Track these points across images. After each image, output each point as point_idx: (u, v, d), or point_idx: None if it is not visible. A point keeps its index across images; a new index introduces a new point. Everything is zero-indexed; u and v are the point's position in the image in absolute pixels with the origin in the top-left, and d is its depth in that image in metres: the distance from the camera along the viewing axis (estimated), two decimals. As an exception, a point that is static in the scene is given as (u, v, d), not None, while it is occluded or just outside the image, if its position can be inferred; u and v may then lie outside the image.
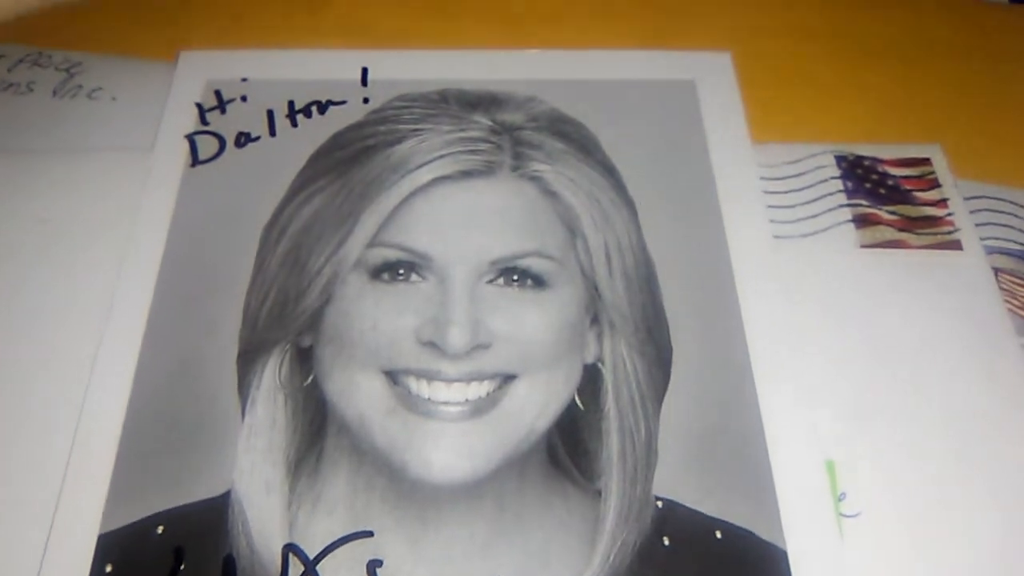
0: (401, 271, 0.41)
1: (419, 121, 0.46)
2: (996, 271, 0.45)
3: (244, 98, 0.50)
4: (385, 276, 0.41)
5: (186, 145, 0.48)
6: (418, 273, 0.40)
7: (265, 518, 0.37)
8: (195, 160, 0.48)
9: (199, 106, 0.49)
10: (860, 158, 0.49)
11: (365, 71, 0.51)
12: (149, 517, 0.37)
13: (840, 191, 0.47)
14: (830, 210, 0.47)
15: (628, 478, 0.38)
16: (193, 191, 0.47)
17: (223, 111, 0.49)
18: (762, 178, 0.47)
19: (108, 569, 0.36)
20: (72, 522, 0.37)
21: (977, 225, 0.47)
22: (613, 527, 0.37)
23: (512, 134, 0.44)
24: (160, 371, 0.40)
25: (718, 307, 0.43)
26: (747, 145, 0.47)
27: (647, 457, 0.38)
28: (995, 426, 0.40)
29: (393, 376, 0.39)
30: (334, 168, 0.45)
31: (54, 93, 0.52)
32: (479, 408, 0.38)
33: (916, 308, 0.44)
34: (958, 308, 0.44)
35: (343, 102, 0.50)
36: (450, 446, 0.38)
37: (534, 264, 0.41)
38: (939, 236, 0.46)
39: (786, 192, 0.47)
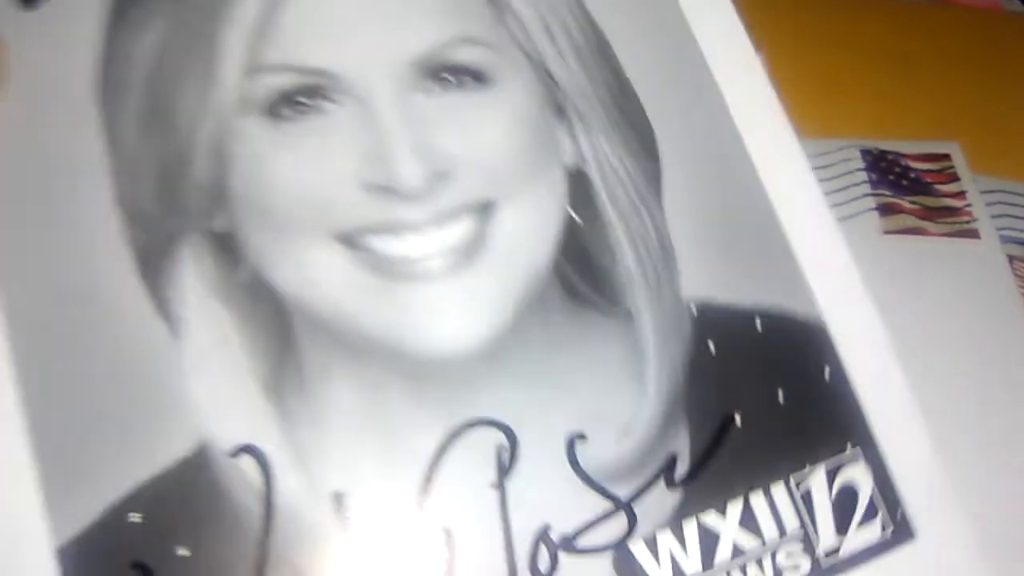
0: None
1: None
2: (1010, 259, 0.49)
3: None
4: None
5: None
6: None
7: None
8: None
9: None
10: (884, 152, 0.53)
11: None
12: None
13: (865, 182, 0.51)
14: (856, 199, 0.51)
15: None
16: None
17: None
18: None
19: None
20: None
21: (992, 217, 0.51)
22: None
23: None
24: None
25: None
26: None
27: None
28: (1005, 406, 0.43)
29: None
30: None
31: None
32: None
33: (935, 290, 0.48)
34: (974, 292, 0.48)
35: None
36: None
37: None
38: (957, 225, 0.50)
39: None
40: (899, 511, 0.33)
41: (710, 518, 0.32)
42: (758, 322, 0.34)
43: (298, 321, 0.31)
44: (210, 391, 0.30)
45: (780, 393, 0.34)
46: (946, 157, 0.53)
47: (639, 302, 0.33)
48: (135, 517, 0.28)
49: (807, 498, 0.33)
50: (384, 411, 0.31)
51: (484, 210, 0.32)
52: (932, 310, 0.47)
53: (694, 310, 0.34)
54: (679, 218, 0.34)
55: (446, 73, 0.32)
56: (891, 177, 0.52)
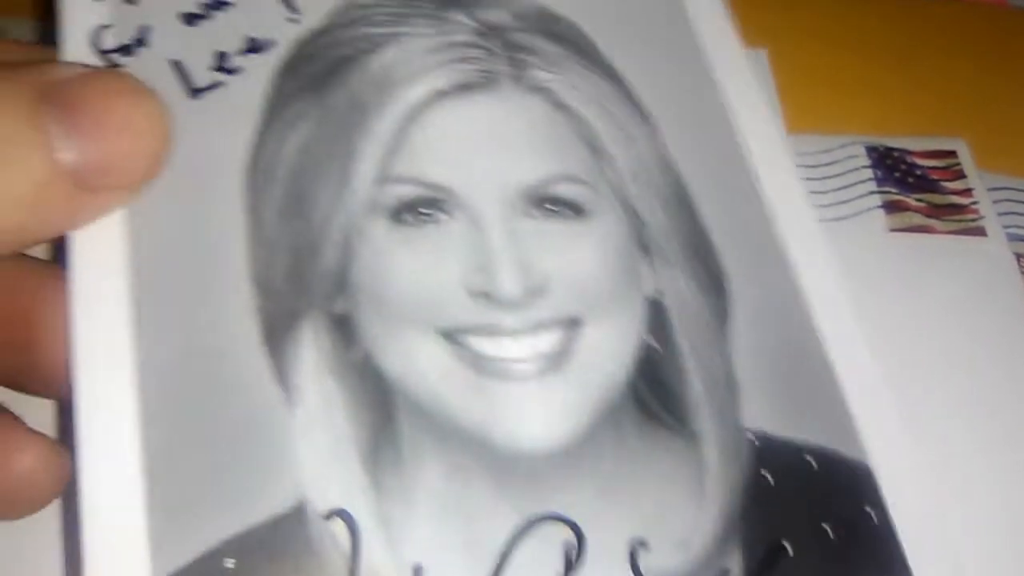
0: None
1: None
2: (1018, 256, 0.49)
3: None
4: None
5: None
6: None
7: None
8: None
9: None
10: (889, 149, 0.52)
11: None
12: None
13: (870, 179, 0.51)
14: (861, 196, 0.51)
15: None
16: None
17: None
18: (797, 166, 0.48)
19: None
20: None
21: (999, 215, 0.51)
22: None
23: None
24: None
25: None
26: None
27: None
28: (1012, 404, 0.44)
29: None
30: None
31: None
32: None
33: (941, 288, 0.48)
34: (981, 289, 0.48)
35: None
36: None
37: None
38: (964, 223, 0.50)
39: (820, 179, 0.51)
40: (935, 653, 0.35)
41: (758, 637, 0.33)
42: (811, 459, 0.37)
43: (400, 402, 0.34)
44: (314, 456, 0.32)
45: (828, 528, 0.36)
46: (952, 154, 0.53)
47: (705, 425, 0.36)
48: (229, 563, 0.30)
49: (849, 631, 0.34)
50: (467, 496, 0.33)
51: (572, 325, 0.35)
52: (938, 308, 0.47)
53: (754, 440, 0.36)
54: (742, 354, 0.38)
55: (549, 203, 0.36)
56: (897, 174, 0.51)
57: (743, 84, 0.44)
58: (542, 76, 0.39)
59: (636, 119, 0.40)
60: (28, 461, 0.35)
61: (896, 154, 0.52)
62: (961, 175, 0.51)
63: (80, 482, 0.30)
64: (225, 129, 0.36)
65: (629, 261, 0.37)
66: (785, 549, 0.35)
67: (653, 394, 0.37)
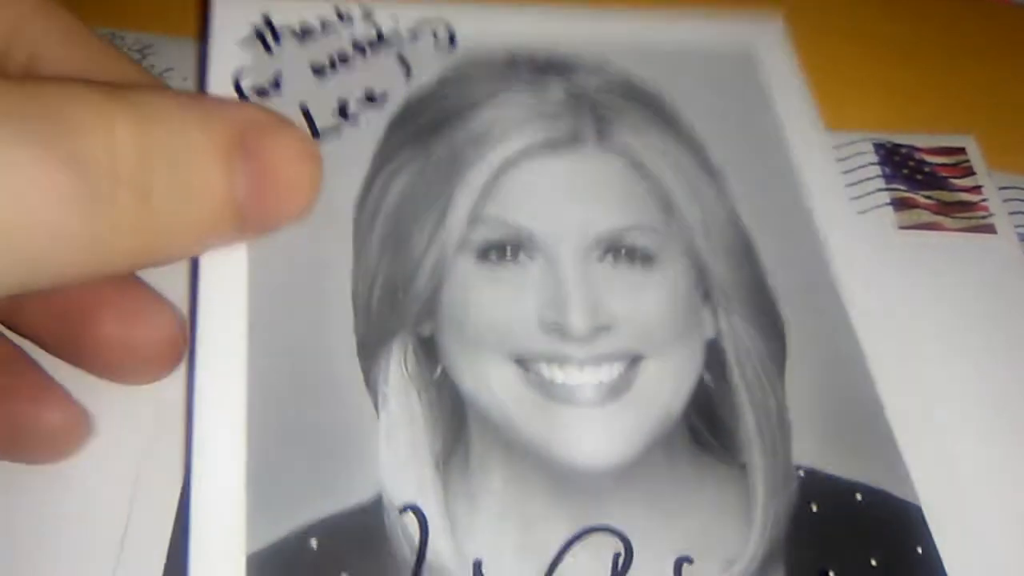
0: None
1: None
2: None
3: None
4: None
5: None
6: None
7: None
8: None
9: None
10: (898, 146, 0.52)
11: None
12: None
13: (879, 176, 0.50)
14: (869, 193, 0.50)
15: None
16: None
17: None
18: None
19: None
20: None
21: (1009, 213, 0.50)
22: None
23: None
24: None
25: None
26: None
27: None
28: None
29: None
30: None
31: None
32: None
33: (951, 286, 0.47)
34: (991, 287, 0.47)
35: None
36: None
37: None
38: (973, 220, 0.49)
39: None
40: None
41: (795, 657, 0.35)
42: (858, 495, 0.39)
43: (472, 416, 0.38)
44: (393, 456, 0.36)
45: (873, 560, 0.37)
46: (961, 151, 0.52)
47: (755, 459, 0.39)
48: (314, 542, 0.35)
49: (889, 661, 0.36)
50: (526, 503, 0.37)
51: (634, 360, 0.39)
52: (949, 305, 0.47)
53: (802, 474, 0.39)
54: (797, 395, 0.40)
55: (621, 251, 0.40)
56: (905, 171, 0.50)
57: (815, 155, 0.47)
58: (623, 138, 0.43)
59: (707, 178, 0.44)
60: (54, 416, 0.39)
61: (904, 151, 0.52)
62: (970, 172, 0.51)
63: (192, 466, 0.35)
64: (341, 170, 0.42)
65: (691, 306, 0.41)
66: (827, 574, 0.37)
67: (706, 426, 0.39)
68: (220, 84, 0.43)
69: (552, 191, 0.41)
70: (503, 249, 0.40)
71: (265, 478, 0.35)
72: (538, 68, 0.45)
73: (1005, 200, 0.50)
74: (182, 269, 0.41)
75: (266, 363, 0.37)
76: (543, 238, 0.40)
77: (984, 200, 0.49)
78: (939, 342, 0.45)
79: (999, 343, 0.46)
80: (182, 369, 0.41)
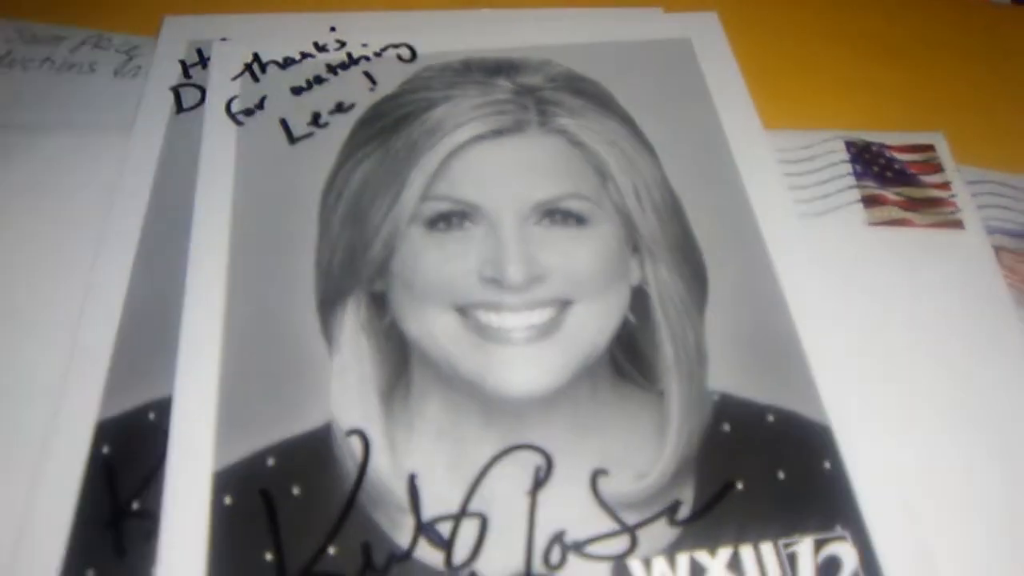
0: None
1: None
2: (996, 249, 0.49)
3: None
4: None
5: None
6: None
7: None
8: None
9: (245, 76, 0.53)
10: (868, 143, 0.54)
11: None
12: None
13: (849, 174, 0.52)
14: (840, 191, 0.52)
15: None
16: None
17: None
18: (778, 162, 0.52)
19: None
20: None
21: (978, 207, 0.51)
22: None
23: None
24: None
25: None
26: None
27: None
28: (994, 393, 0.44)
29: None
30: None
31: (115, 74, 0.56)
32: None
33: (921, 281, 0.48)
34: (960, 282, 0.48)
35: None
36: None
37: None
38: (942, 216, 0.50)
39: (799, 175, 0.52)
40: (882, 591, 0.38)
41: (701, 556, 0.38)
42: (770, 416, 0.42)
43: (415, 357, 0.43)
44: (343, 390, 0.42)
45: (781, 473, 0.40)
46: (930, 148, 0.53)
47: (671, 386, 0.42)
48: (271, 461, 0.40)
49: (792, 559, 0.38)
50: (460, 426, 0.42)
51: (564, 304, 0.43)
52: (918, 301, 0.47)
53: (716, 398, 0.42)
54: (717, 331, 0.44)
55: (557, 215, 0.45)
56: (875, 169, 0.52)
57: (744, 127, 0.52)
58: (563, 121, 0.48)
59: (641, 149, 0.49)
60: None
61: (875, 148, 0.53)
62: (939, 169, 0.52)
63: (175, 399, 0.41)
64: (311, 164, 0.48)
65: (620, 258, 0.45)
66: (735, 486, 0.40)
67: (628, 359, 0.44)
68: (216, 110, 0.52)
69: (497, 169, 0.47)
70: (450, 219, 0.45)
71: (232, 410, 0.41)
72: (489, 70, 0.51)
73: (975, 195, 0.51)
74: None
75: (240, 314, 0.44)
76: (487, 208, 0.45)
77: (953, 196, 0.51)
78: (905, 331, 0.46)
79: (965, 332, 0.47)
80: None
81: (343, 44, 0.55)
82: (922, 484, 0.40)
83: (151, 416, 0.42)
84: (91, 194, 0.49)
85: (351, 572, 0.38)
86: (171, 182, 0.49)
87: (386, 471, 0.40)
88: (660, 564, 0.38)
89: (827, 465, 0.41)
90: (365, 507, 0.39)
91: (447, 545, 0.38)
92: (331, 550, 0.38)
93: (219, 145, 0.50)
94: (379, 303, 0.44)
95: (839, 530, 0.39)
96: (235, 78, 0.53)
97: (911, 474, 0.41)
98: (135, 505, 0.39)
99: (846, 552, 0.39)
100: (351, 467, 0.40)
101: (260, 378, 0.42)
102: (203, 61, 0.55)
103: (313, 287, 0.45)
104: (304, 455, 0.40)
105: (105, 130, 0.52)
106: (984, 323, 0.46)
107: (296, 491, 0.39)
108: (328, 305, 0.44)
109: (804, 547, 0.39)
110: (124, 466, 0.40)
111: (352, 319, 0.44)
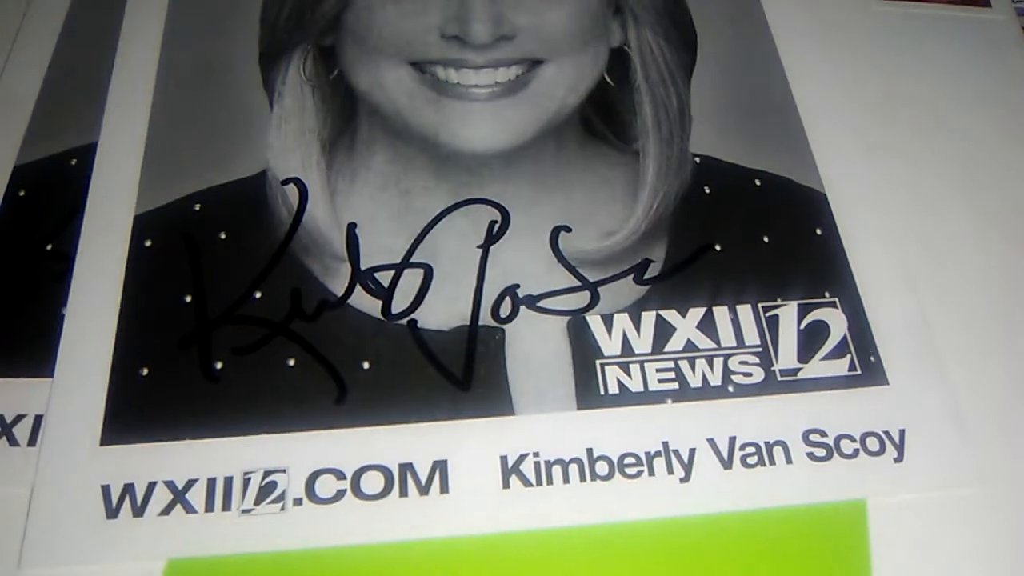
0: None
1: None
2: None
3: None
4: None
5: None
6: None
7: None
8: None
9: None
10: None
11: None
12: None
13: None
14: None
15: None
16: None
17: None
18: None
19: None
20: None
21: None
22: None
23: None
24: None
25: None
26: None
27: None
28: (1011, 172, 0.39)
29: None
30: None
31: None
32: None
33: (935, 60, 0.43)
34: (980, 63, 0.43)
35: None
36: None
37: None
38: None
39: None
40: (872, 358, 0.33)
41: (669, 315, 0.34)
42: (757, 180, 0.37)
43: (362, 109, 0.39)
44: (282, 140, 0.38)
45: (765, 237, 0.36)
46: None
47: (649, 146, 0.38)
48: (198, 206, 0.36)
49: (773, 323, 0.34)
50: (406, 177, 0.38)
51: (534, 64, 0.39)
52: (931, 79, 0.42)
53: (698, 160, 0.38)
54: (706, 96, 0.40)
55: None
56: None
57: None
58: None
59: None
60: None
61: None
62: None
63: (99, 138, 0.38)
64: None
65: (599, 19, 0.40)
66: (712, 247, 0.36)
67: (602, 119, 0.39)
68: None
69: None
70: None
71: (160, 155, 0.37)
72: None
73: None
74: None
75: (176, 61, 0.40)
76: None
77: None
78: (920, 114, 0.41)
79: (985, 113, 0.42)
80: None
81: None
82: (922, 253, 0.36)
83: (73, 162, 0.38)
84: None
85: (276, 317, 0.34)
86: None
87: (324, 219, 0.36)
88: (622, 320, 0.34)
89: (819, 231, 0.36)
90: (297, 254, 0.35)
91: (386, 294, 0.34)
92: (256, 295, 0.34)
93: None
94: (327, 57, 0.40)
95: (827, 296, 0.35)
96: None
97: (911, 243, 0.36)
98: (49, 246, 0.36)
99: (834, 318, 0.34)
100: (284, 215, 0.36)
101: (192, 126, 0.38)
102: None
103: (257, 39, 0.40)
104: (234, 201, 0.36)
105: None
106: (1006, 103, 0.41)
107: (223, 236, 0.36)
108: (271, 58, 0.40)
109: (787, 311, 0.34)
110: (42, 209, 0.37)
111: (296, 71, 0.39)
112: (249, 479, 0.31)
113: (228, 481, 0.31)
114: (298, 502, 0.30)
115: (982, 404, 0.33)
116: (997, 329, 0.35)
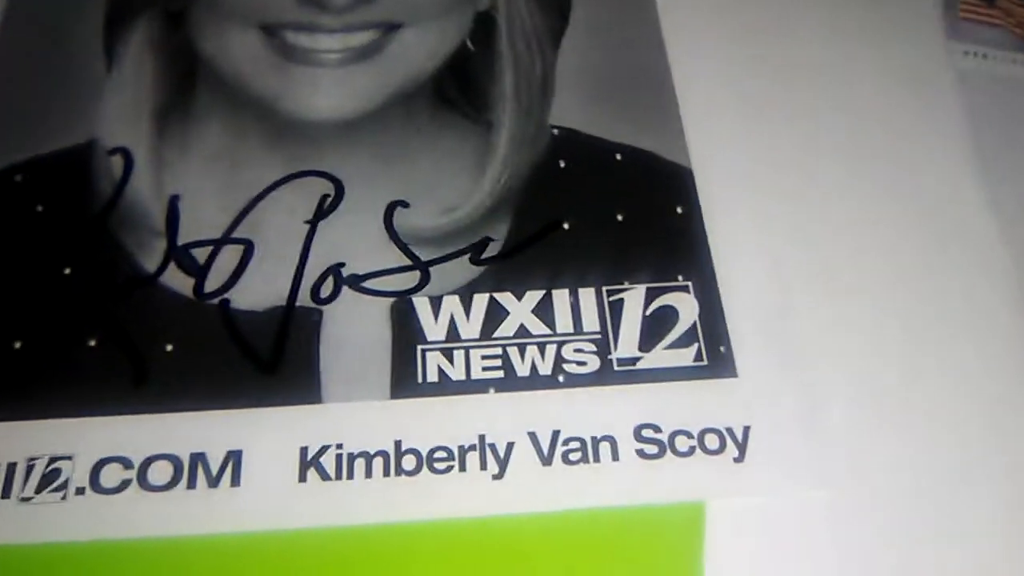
0: None
1: None
2: None
3: None
4: None
5: None
6: None
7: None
8: None
9: None
10: None
11: None
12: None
13: None
14: None
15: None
16: None
17: None
18: None
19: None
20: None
21: None
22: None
23: None
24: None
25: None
26: None
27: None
28: (896, 156, 0.36)
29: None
30: None
31: None
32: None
33: (838, 25, 0.40)
34: (871, 31, 0.39)
35: None
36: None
37: None
38: None
39: None
40: (722, 348, 0.31)
41: (504, 297, 0.31)
42: (618, 155, 0.35)
43: (203, 75, 0.36)
44: (114, 108, 0.36)
45: (619, 215, 0.33)
46: None
47: (503, 117, 0.35)
48: (19, 177, 0.34)
49: (617, 308, 0.31)
50: (239, 149, 0.35)
51: (391, 28, 0.36)
52: (828, 48, 0.39)
53: (556, 132, 0.35)
54: (575, 66, 0.37)
55: None
56: None
57: None
58: None
59: None
60: None
61: None
62: None
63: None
64: None
65: (466, -17, 0.38)
66: (560, 225, 0.33)
67: (456, 87, 0.36)
68: None
69: None
70: None
71: (-18, 120, 0.35)
72: None
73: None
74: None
75: (16, 26, 0.38)
76: None
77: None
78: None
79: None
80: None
81: None
82: (792, 239, 0.33)
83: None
84: None
85: (83, 295, 0.31)
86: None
87: (146, 191, 0.34)
88: (451, 303, 0.31)
89: (679, 209, 0.33)
90: (114, 228, 0.33)
91: (200, 271, 0.32)
92: (66, 271, 0.32)
93: None
94: (174, 21, 0.37)
95: (680, 280, 0.32)
96: None
97: (781, 226, 0.33)
98: None
99: (685, 303, 0.31)
100: (107, 187, 0.34)
101: (24, 95, 0.36)
102: None
103: (102, 9, 0.38)
104: (55, 172, 0.34)
105: None
106: (908, 69, 0.38)
107: (40, 208, 0.33)
108: (116, 23, 0.37)
109: (634, 295, 0.31)
110: None
111: (140, 36, 0.37)
112: (33, 466, 0.29)
113: (11, 467, 0.29)
114: (80, 491, 0.28)
115: (838, 403, 0.30)
116: (864, 325, 0.32)
